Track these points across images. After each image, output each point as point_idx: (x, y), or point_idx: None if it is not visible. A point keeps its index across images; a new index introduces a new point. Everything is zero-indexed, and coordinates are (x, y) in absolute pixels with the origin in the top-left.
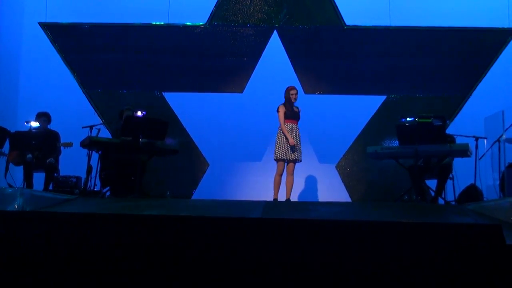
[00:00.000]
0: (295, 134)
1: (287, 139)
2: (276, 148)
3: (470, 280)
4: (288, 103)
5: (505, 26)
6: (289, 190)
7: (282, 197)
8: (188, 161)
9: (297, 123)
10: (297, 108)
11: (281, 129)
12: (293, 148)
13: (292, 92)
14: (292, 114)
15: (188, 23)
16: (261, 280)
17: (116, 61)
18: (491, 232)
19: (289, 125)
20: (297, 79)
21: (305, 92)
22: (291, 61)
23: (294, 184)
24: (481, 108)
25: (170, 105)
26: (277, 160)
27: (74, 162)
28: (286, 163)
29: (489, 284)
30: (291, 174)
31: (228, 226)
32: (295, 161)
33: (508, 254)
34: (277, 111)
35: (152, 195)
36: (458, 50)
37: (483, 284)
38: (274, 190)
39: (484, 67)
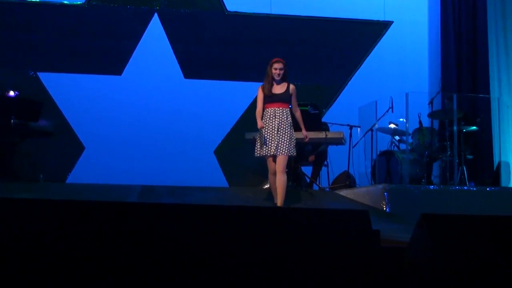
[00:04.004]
0: (280, 120)
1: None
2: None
3: (338, 264)
4: (269, 82)
5: (381, 19)
6: (280, 195)
7: None
8: (63, 144)
9: (287, 106)
10: (287, 84)
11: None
12: (271, 140)
13: (276, 65)
14: (274, 97)
15: (65, 2)
16: (136, 266)
17: None
18: (359, 218)
19: (270, 110)
20: (178, 63)
21: (185, 77)
22: (171, 45)
23: (172, 169)
24: (355, 98)
25: (45, 86)
26: (261, 158)
27: None
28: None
29: (355, 267)
30: (280, 172)
31: (103, 211)
32: (281, 155)
33: (373, 238)
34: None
35: (24, 179)
36: (335, 41)
37: (350, 268)
38: (273, 192)
39: (359, 58)
